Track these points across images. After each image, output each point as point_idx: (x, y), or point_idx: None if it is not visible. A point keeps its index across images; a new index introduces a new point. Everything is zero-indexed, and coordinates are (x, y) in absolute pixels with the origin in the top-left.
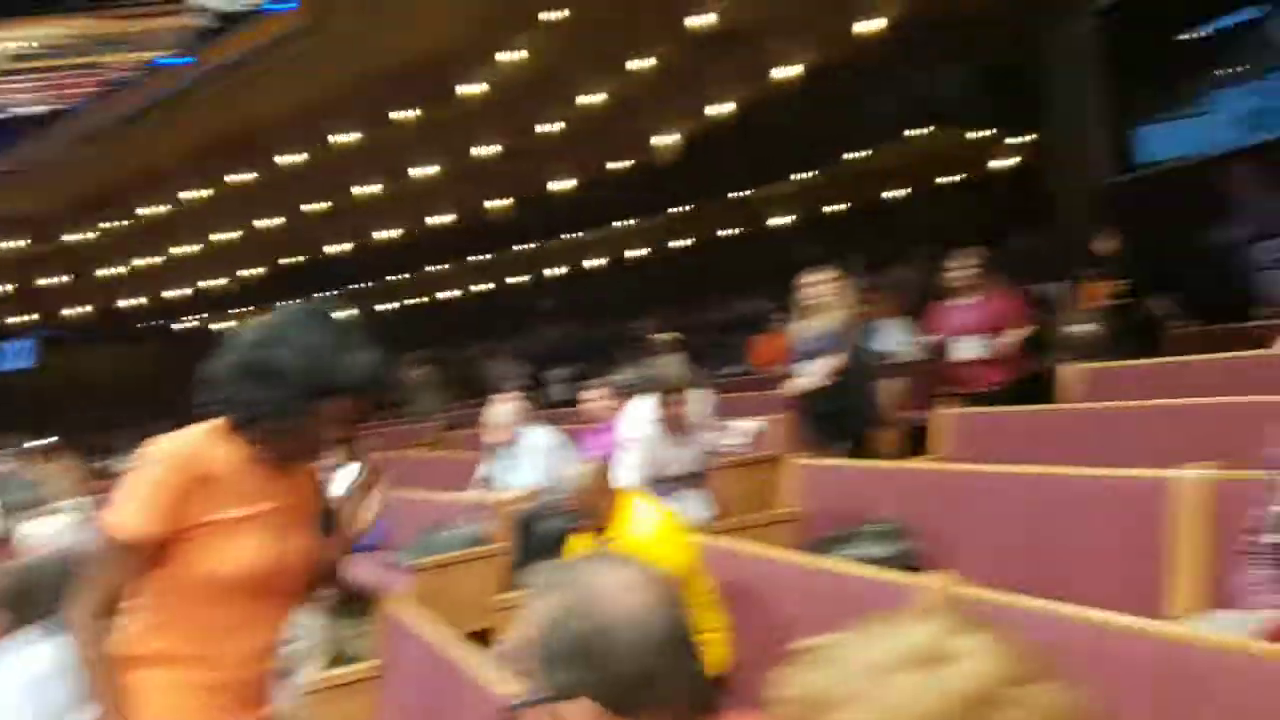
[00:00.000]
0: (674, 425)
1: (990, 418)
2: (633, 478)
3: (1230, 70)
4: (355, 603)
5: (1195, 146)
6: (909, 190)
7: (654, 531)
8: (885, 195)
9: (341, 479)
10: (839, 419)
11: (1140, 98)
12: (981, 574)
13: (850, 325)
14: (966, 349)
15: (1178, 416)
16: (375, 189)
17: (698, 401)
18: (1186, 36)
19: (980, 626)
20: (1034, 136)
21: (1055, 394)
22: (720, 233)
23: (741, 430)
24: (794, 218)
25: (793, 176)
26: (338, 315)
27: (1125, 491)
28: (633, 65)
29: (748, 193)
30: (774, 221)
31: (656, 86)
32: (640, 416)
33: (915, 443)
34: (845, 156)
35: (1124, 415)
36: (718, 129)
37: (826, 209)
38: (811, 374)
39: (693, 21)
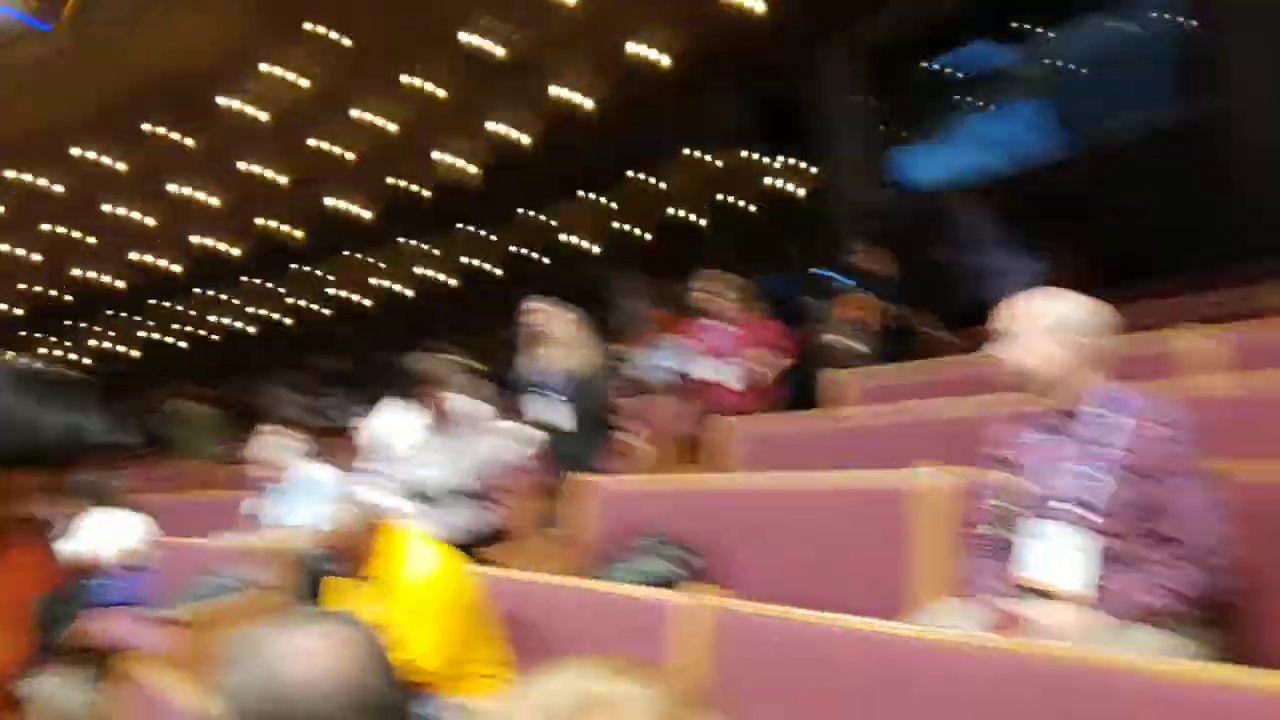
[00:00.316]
0: (436, 423)
1: (762, 427)
2: (391, 492)
3: (980, 101)
4: (93, 665)
5: (950, 171)
6: (697, 212)
7: (431, 571)
8: (675, 217)
9: (94, 529)
10: (577, 460)
11: (902, 125)
12: (758, 583)
13: (589, 367)
14: (720, 373)
15: (936, 420)
16: (140, 212)
17: (470, 406)
18: (940, 69)
19: (644, 671)
20: (810, 161)
21: (819, 402)
22: (519, 253)
23: (517, 434)
24: (590, 239)
25: (588, 198)
26: (43, 371)
27: (872, 494)
28: (416, 86)
29: (542, 215)
30: (570, 243)
31: (445, 109)
32: (400, 424)
33: (694, 455)
34: (636, 179)
35: (887, 421)
36: (510, 151)
37: (620, 230)
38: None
39: (475, 45)
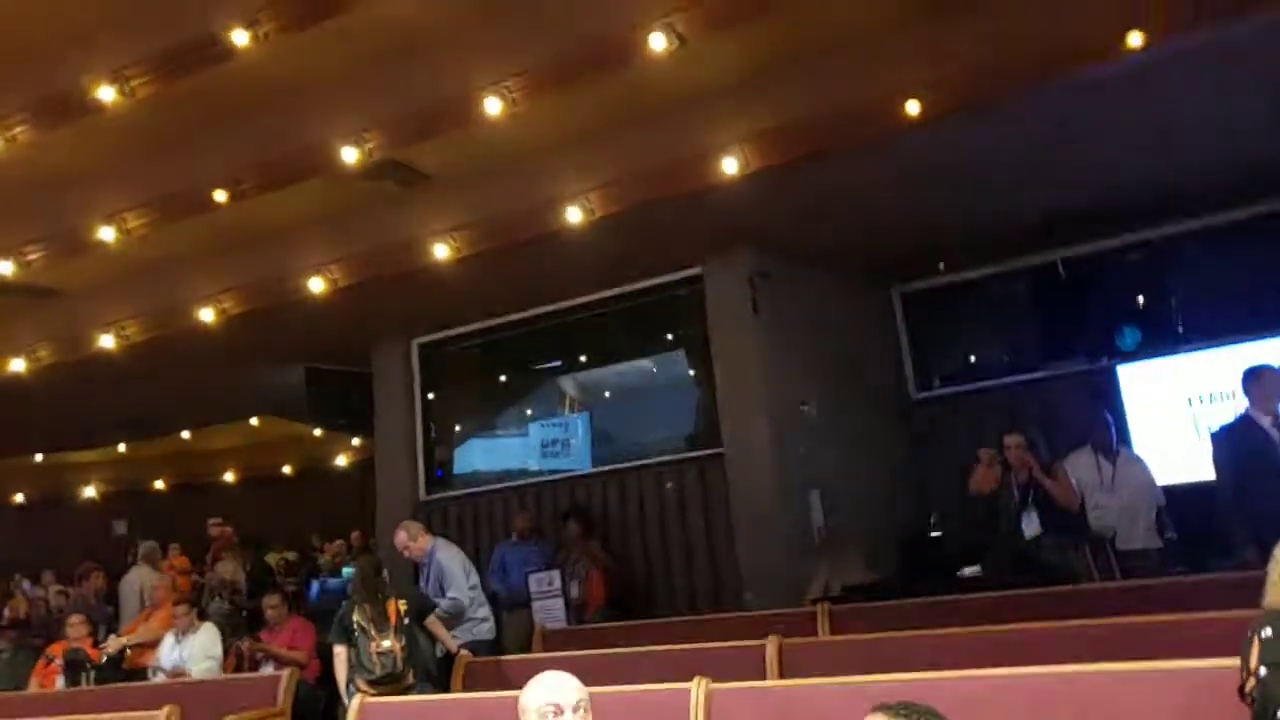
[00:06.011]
0: None
1: None
2: None
3: (536, 407)
4: None
5: (511, 464)
6: (242, 474)
7: None
8: (218, 477)
9: None
10: None
11: (462, 420)
12: None
13: None
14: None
15: None
16: None
17: None
18: (501, 377)
19: None
20: (365, 441)
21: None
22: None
23: None
24: (106, 488)
25: (106, 446)
26: None
27: None
28: None
29: (42, 457)
30: (83, 491)
31: None
32: None
33: None
34: (178, 434)
35: None
36: (14, 385)
37: (149, 483)
38: None
39: None
